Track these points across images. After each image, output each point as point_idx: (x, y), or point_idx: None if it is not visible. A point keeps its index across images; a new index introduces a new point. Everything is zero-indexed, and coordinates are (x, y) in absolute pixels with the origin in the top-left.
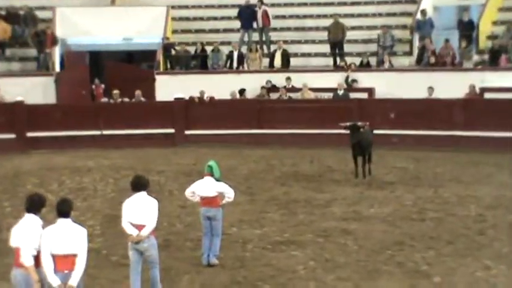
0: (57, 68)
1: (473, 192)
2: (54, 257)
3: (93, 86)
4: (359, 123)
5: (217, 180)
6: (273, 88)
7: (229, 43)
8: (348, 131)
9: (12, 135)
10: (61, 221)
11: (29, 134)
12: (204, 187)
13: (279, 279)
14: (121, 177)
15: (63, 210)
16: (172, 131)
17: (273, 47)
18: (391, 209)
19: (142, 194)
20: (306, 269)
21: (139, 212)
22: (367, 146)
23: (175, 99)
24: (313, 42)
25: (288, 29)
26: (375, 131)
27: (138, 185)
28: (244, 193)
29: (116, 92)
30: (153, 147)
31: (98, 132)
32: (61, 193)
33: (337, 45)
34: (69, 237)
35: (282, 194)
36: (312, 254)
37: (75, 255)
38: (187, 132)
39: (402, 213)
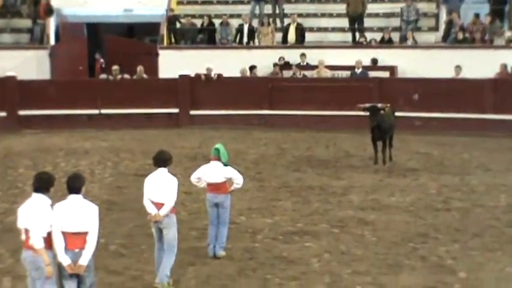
0: (52, 41)
1: (502, 180)
2: (64, 234)
3: (101, 60)
4: (379, 105)
5: (225, 164)
6: (286, 65)
7: (239, 16)
8: (367, 113)
9: (3, 114)
10: (72, 198)
11: (21, 112)
12: (211, 172)
13: (291, 272)
14: (120, 160)
15: (75, 186)
16: (176, 111)
17: (286, 21)
18: (413, 198)
19: (164, 171)
20: (320, 262)
21: (159, 190)
22: (387, 130)
23: (179, 76)
24: (331, 15)
25: (303, 1)
26: (397, 114)
27: (160, 160)
28: (254, 179)
29: (115, 67)
30: (155, 128)
31: (95, 111)
32: (55, 176)
33: (356, 20)
34: (81, 214)
35: (294, 180)
36: (326, 245)
37: (86, 233)
38: (192, 112)
39: (425, 202)
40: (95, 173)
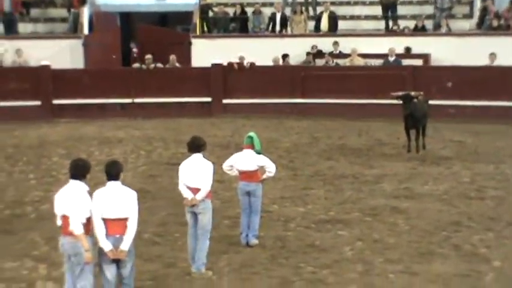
0: (86, 31)
1: None
2: (105, 221)
3: (134, 49)
4: (412, 93)
5: (258, 153)
6: (319, 54)
7: (271, 4)
8: (400, 102)
9: (37, 103)
10: (111, 184)
11: (55, 101)
12: (244, 160)
13: (324, 260)
14: (153, 149)
15: (113, 172)
16: (209, 99)
17: (319, 9)
18: (446, 186)
19: (198, 156)
20: (352, 250)
21: (195, 175)
22: (420, 118)
23: (212, 65)
24: (364, 3)
25: None
26: (430, 102)
27: (194, 145)
28: (286, 168)
29: (148, 56)
30: (187, 117)
31: (128, 100)
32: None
33: (389, 7)
34: (120, 200)
35: (327, 169)
36: (359, 234)
37: (126, 219)
38: (225, 101)
39: (459, 191)
40: (128, 161)
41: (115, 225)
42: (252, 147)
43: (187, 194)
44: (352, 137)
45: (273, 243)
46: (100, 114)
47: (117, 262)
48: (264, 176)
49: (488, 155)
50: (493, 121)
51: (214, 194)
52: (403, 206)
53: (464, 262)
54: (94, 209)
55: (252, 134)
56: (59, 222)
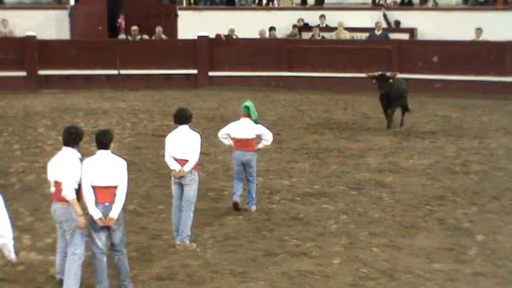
0: (72, 1)
1: None
2: (94, 188)
3: (119, 21)
4: (388, 74)
5: (255, 122)
6: (306, 27)
7: None
8: (375, 82)
9: (23, 73)
10: (101, 153)
11: (41, 72)
12: (241, 129)
13: (308, 233)
14: (139, 121)
15: (103, 141)
16: (194, 72)
17: None
18: (431, 160)
19: (185, 128)
20: (337, 224)
21: (182, 147)
22: (396, 98)
23: (198, 37)
24: None
25: None
26: (417, 76)
27: (181, 117)
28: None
29: (134, 28)
30: (173, 89)
31: (114, 72)
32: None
33: None
34: (110, 169)
35: (312, 142)
36: (344, 207)
37: (115, 187)
38: (211, 73)
39: (444, 165)
40: (114, 133)
41: (105, 193)
42: (249, 116)
43: (174, 166)
44: (338, 110)
45: (258, 215)
46: (86, 86)
47: (107, 230)
48: (260, 145)
49: (473, 129)
50: (478, 96)
51: (199, 167)
52: (387, 180)
53: (448, 236)
54: (84, 177)
55: (248, 103)
56: (52, 189)
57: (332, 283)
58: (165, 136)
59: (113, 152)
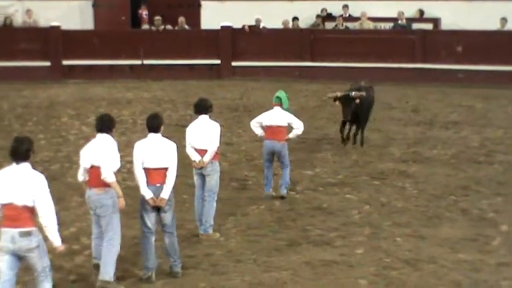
0: None
1: None
2: (146, 170)
3: (140, 11)
4: (353, 94)
5: (287, 111)
6: (329, 17)
7: None
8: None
9: (47, 63)
10: (152, 136)
11: (65, 62)
12: (273, 116)
13: (331, 223)
14: (162, 110)
15: (154, 125)
16: (217, 62)
17: None
18: (455, 150)
19: (205, 118)
20: (360, 214)
21: (202, 137)
22: (363, 118)
23: (221, 27)
24: None
25: None
26: (441, 66)
27: (201, 107)
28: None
29: (157, 18)
30: (196, 79)
31: (137, 62)
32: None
33: None
34: (160, 151)
35: (335, 132)
36: (367, 197)
37: (166, 169)
38: (234, 63)
39: (467, 155)
40: (137, 123)
41: (156, 175)
42: (281, 105)
43: (195, 157)
44: None
45: (281, 205)
46: (109, 76)
47: (157, 211)
48: (291, 135)
49: (498, 119)
50: (502, 86)
51: (223, 157)
52: (411, 170)
53: (472, 226)
54: (136, 159)
55: (279, 93)
56: (81, 177)
57: (355, 272)
58: (188, 126)
59: (162, 135)
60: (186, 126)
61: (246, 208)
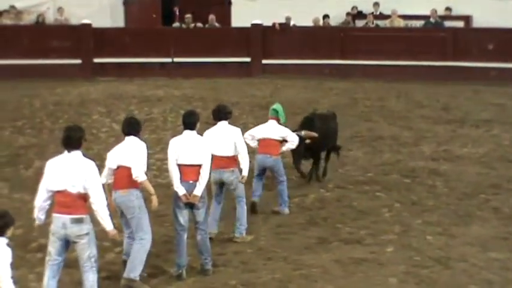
0: None
1: None
2: (180, 167)
3: (175, 9)
4: (302, 133)
5: (283, 125)
6: (359, 15)
7: None
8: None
9: (78, 61)
10: (187, 133)
11: (96, 60)
12: (267, 130)
13: (361, 222)
14: (192, 108)
15: (190, 122)
16: (248, 59)
17: None
18: (486, 149)
19: (224, 124)
20: (390, 212)
21: (224, 143)
22: (316, 154)
23: (252, 25)
24: None
25: None
26: (472, 64)
27: (221, 113)
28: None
29: (188, 16)
30: (226, 77)
31: (168, 60)
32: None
33: None
34: (195, 148)
35: (366, 130)
36: (397, 195)
37: (200, 166)
38: (264, 61)
39: (499, 153)
40: (167, 120)
41: (189, 171)
42: (277, 119)
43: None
44: (391, 98)
45: (311, 204)
46: (140, 73)
47: (191, 208)
48: (284, 148)
49: None
50: None
51: (252, 154)
52: (442, 168)
53: (503, 225)
54: (170, 155)
55: (276, 106)
56: (103, 179)
57: (385, 271)
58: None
59: (198, 133)
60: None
61: (276, 206)
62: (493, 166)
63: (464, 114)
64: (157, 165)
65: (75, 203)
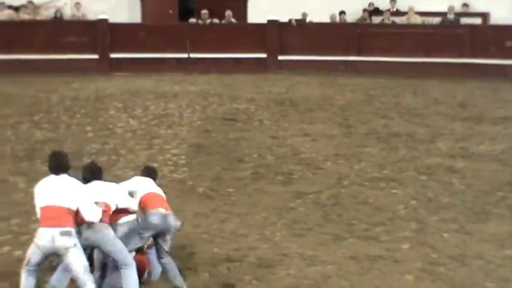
0: None
1: None
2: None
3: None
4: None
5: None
6: (376, 11)
7: None
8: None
9: (95, 56)
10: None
11: (112, 55)
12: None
13: (377, 218)
14: (208, 104)
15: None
16: (264, 55)
17: None
18: (503, 146)
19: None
20: (406, 209)
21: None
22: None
23: (268, 21)
24: None
25: None
26: (490, 61)
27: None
28: (341, 125)
29: (204, 12)
30: (243, 73)
31: (184, 55)
32: (144, 119)
33: None
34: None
35: (381, 126)
36: (413, 192)
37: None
38: (280, 57)
39: None
40: (183, 116)
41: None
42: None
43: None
44: (408, 95)
45: (327, 200)
46: (156, 69)
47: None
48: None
49: None
50: None
51: (269, 151)
52: (458, 165)
53: None
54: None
55: None
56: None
57: (401, 268)
58: (234, 120)
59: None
60: (233, 120)
61: (292, 202)
62: (510, 163)
63: (481, 111)
64: (173, 160)
65: (64, 217)
